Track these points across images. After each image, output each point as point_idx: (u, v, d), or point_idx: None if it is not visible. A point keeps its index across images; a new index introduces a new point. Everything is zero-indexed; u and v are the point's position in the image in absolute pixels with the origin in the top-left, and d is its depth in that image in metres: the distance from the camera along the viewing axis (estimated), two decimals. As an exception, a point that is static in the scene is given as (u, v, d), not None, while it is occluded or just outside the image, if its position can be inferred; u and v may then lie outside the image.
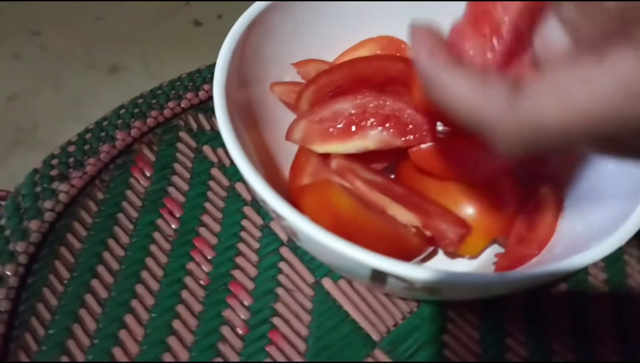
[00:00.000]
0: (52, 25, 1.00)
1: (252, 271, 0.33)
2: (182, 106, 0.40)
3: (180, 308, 0.31)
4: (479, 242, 0.31)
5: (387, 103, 0.31)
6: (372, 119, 0.31)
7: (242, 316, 0.31)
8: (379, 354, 0.30)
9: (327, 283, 0.32)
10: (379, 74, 0.33)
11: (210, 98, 0.40)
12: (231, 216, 0.35)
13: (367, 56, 0.35)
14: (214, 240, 0.34)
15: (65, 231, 0.34)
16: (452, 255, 0.33)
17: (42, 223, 0.33)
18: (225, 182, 0.36)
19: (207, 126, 0.39)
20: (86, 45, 0.97)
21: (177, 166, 0.37)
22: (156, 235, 0.34)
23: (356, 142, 0.31)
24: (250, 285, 0.32)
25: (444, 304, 0.32)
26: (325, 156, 0.32)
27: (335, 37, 0.37)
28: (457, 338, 0.31)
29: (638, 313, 0.33)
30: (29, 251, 0.32)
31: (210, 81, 0.41)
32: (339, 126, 0.31)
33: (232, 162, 0.37)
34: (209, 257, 0.33)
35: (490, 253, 0.33)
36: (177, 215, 0.35)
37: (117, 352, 0.30)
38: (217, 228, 0.34)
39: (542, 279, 0.24)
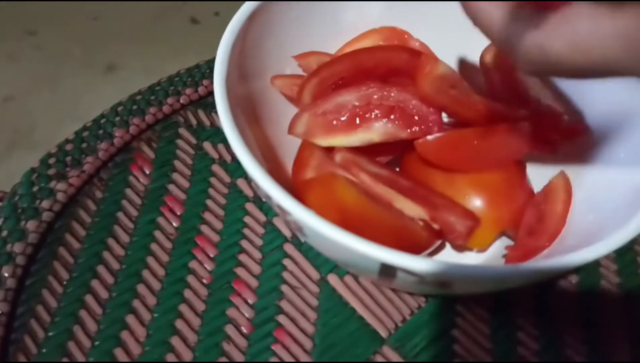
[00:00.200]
0: (48, 26, 0.99)
1: (256, 269, 0.32)
2: (181, 102, 0.39)
3: (183, 308, 0.30)
4: (488, 234, 0.30)
5: (392, 94, 0.30)
6: (376, 111, 0.31)
7: (247, 315, 0.30)
8: (387, 351, 0.30)
9: (332, 279, 0.32)
10: (383, 65, 0.32)
11: (210, 94, 0.40)
12: (233, 213, 0.34)
13: (370, 47, 0.34)
14: (216, 238, 0.33)
15: (64, 231, 0.33)
16: (460, 248, 0.32)
17: (40, 223, 0.32)
18: (227, 178, 0.36)
19: (207, 122, 0.38)
20: (83, 45, 0.97)
21: (177, 163, 0.36)
22: (157, 233, 0.33)
23: (360, 135, 0.31)
24: (254, 282, 0.32)
25: (452, 299, 0.31)
26: (329, 150, 0.31)
27: (337, 29, 0.36)
28: (467, 333, 0.30)
29: (650, 304, 0.32)
30: (26, 252, 0.31)
31: (209, 76, 0.40)
32: (342, 118, 0.31)
33: (233, 158, 0.37)
34: (212, 255, 0.32)
35: (499, 246, 0.32)
36: (178, 213, 0.34)
37: (119, 353, 0.29)
38: (219, 225, 0.34)
39: (555, 271, 0.23)
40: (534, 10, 0.18)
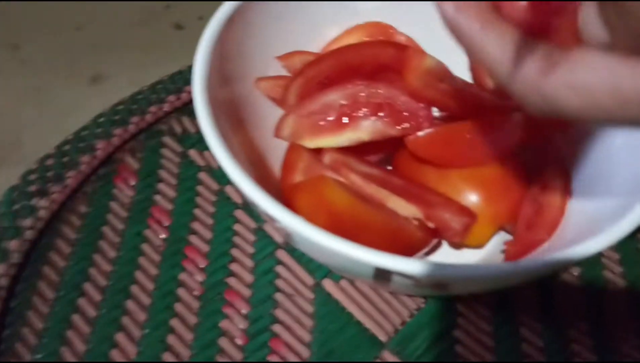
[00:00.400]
0: (30, 38, 0.98)
1: (248, 278, 0.31)
2: (164, 109, 0.38)
3: (174, 322, 0.29)
4: (485, 230, 0.29)
5: (380, 91, 0.29)
6: (364, 109, 0.30)
7: (241, 326, 0.29)
8: (387, 355, 0.29)
9: (327, 284, 0.31)
10: (370, 62, 0.31)
11: (194, 99, 0.39)
12: (222, 221, 0.33)
13: (356, 43, 0.33)
14: (205, 248, 0.32)
15: (48, 249, 0.32)
16: (457, 246, 0.31)
17: (22, 242, 0.31)
18: (214, 186, 0.35)
19: (192, 129, 0.37)
20: (67, 56, 0.95)
21: (162, 172, 0.35)
22: (144, 246, 0.32)
23: (349, 134, 0.30)
24: (246, 292, 0.31)
25: (452, 298, 0.30)
26: (318, 152, 0.30)
27: (321, 27, 0.35)
28: (469, 333, 0.30)
29: (655, 293, 0.32)
30: (9, 273, 0.30)
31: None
32: (329, 118, 0.30)
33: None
34: (202, 266, 0.31)
35: (498, 242, 0.31)
36: (166, 224, 0.33)
37: (110, 374, 0.28)
38: (208, 234, 0.33)
39: (557, 266, 0.22)
40: (543, 52, 0.16)
